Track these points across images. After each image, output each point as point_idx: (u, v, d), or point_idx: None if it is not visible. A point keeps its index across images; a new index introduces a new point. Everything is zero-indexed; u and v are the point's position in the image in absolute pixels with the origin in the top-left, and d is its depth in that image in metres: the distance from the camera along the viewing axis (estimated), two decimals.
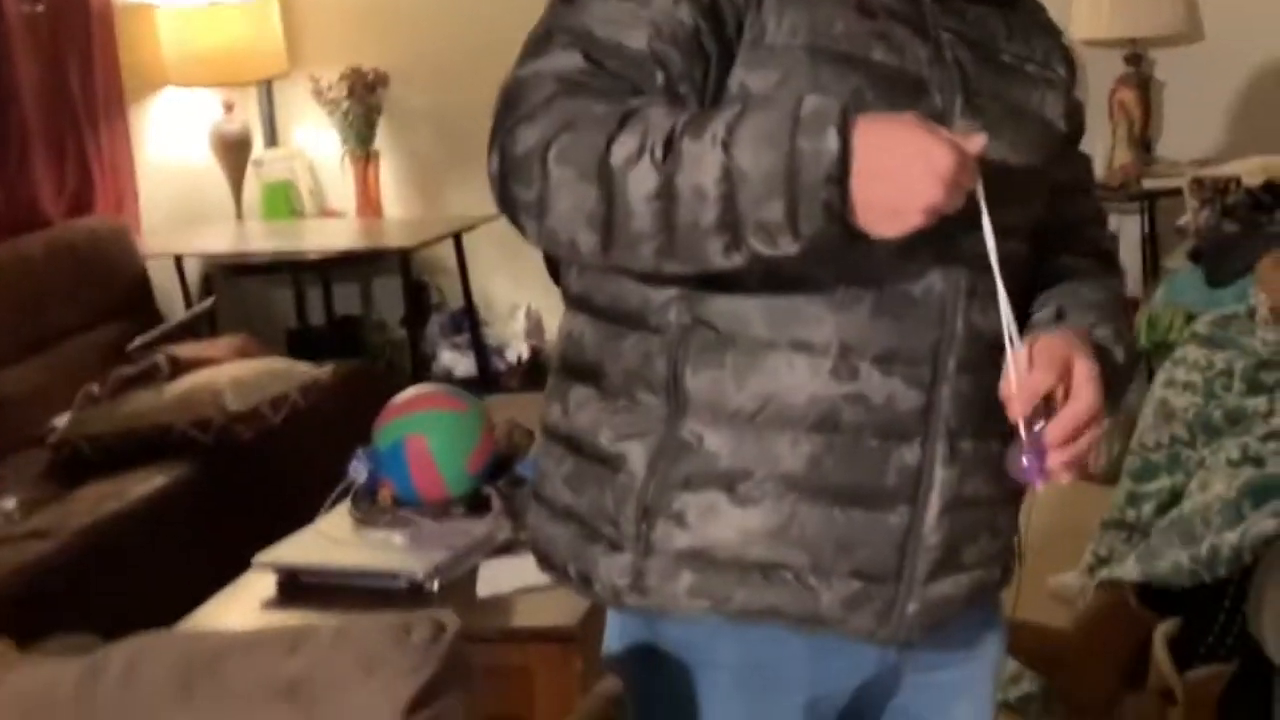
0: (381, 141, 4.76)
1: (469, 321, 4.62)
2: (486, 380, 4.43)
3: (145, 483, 3.29)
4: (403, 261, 4.40)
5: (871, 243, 1.22)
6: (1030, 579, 1.77)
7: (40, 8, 4.06)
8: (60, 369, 3.76)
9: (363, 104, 4.68)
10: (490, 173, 1.26)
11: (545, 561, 1.46)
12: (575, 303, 1.42)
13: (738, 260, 1.21)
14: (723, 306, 1.32)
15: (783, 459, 1.33)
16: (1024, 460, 1.30)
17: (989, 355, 1.34)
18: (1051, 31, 1.48)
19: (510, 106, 1.26)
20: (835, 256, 1.26)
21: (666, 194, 1.19)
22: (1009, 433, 1.33)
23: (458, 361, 4.66)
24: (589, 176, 1.20)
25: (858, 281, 1.31)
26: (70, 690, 1.17)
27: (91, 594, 2.93)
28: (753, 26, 1.29)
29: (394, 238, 4.56)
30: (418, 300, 4.64)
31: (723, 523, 1.34)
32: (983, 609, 1.49)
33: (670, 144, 1.19)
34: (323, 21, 4.79)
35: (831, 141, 1.16)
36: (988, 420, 1.35)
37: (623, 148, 1.19)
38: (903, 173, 1.18)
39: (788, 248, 1.20)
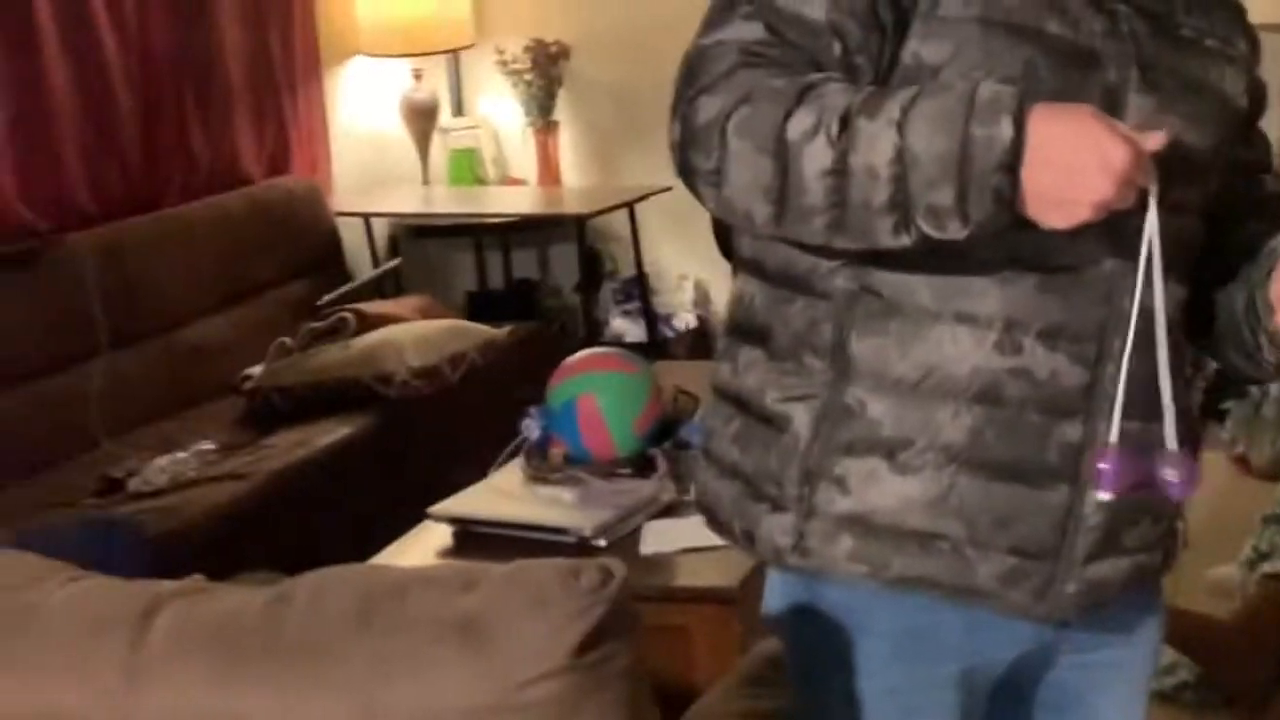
0: (561, 112, 4.83)
1: (639, 289, 4.68)
2: (654, 347, 4.47)
3: (331, 433, 3.43)
4: (579, 229, 4.47)
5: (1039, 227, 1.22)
6: (1189, 572, 1.76)
7: None
8: (255, 321, 3.91)
9: (545, 75, 4.75)
10: (671, 140, 1.28)
11: (711, 517, 1.48)
12: (747, 266, 1.43)
13: (905, 241, 1.22)
14: (889, 275, 1.32)
15: (944, 429, 1.32)
16: (1168, 475, 1.30)
17: (1155, 336, 1.31)
18: (1233, 7, 1.45)
19: (692, 76, 1.28)
20: (1003, 233, 1.24)
21: (839, 171, 1.20)
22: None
23: (628, 328, 4.72)
24: (765, 150, 1.22)
25: (1025, 257, 1.29)
26: (258, 615, 1.21)
27: (279, 535, 3.08)
28: None
29: (570, 205, 4.64)
30: (591, 267, 4.71)
31: (883, 489, 1.34)
32: (1143, 593, 1.47)
33: (846, 122, 1.20)
34: None
35: (1006, 129, 1.16)
36: (1153, 401, 1.32)
37: (799, 123, 1.21)
38: (1075, 166, 1.17)
39: (955, 232, 1.20)
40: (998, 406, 1.32)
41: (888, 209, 1.20)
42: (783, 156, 1.21)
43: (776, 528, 1.38)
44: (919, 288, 1.31)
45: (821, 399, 1.35)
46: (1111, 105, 1.30)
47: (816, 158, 1.20)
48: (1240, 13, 1.46)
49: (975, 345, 1.31)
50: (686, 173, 1.28)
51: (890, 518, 1.34)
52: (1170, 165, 1.29)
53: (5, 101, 3.47)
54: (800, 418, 1.36)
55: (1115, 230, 1.29)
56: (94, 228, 3.64)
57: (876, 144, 1.19)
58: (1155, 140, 1.21)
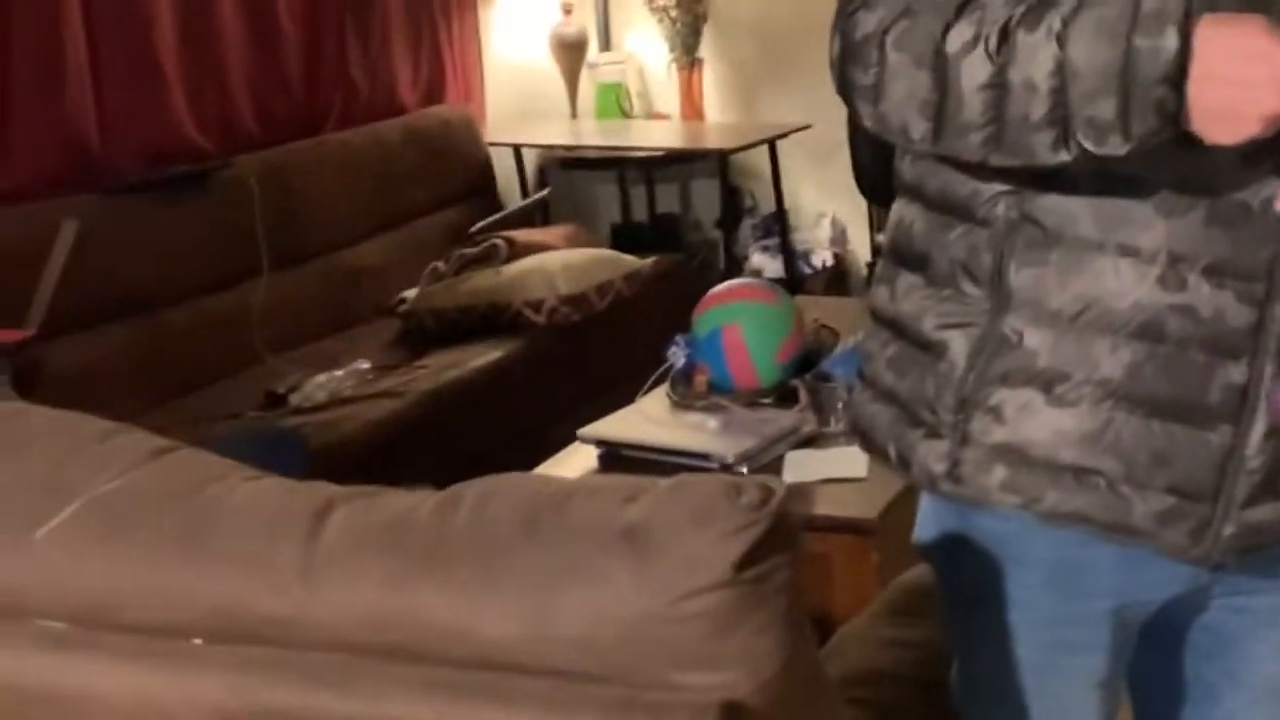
0: (706, 49, 4.84)
1: (779, 226, 4.69)
2: (793, 283, 4.48)
3: (482, 356, 3.51)
4: (720, 165, 4.49)
5: (1207, 149, 1.17)
6: None
7: None
8: (410, 246, 4.01)
9: (690, 13, 4.76)
10: (831, 57, 1.27)
11: (866, 440, 1.47)
12: (906, 190, 1.41)
13: (1065, 157, 1.19)
14: (1051, 204, 1.28)
15: (1101, 364, 1.29)
16: None
17: None
18: None
19: None
20: (1169, 160, 1.21)
21: (998, 85, 1.17)
22: None
23: (767, 264, 4.73)
24: (924, 63, 1.20)
25: (1192, 188, 1.25)
26: (429, 518, 1.22)
27: (433, 452, 3.16)
28: None
29: (713, 141, 4.66)
30: (732, 202, 4.73)
31: (1038, 422, 1.32)
32: None
33: (1005, 35, 1.17)
34: None
35: (1171, 40, 1.12)
36: None
37: (958, 36, 1.19)
38: (1243, 77, 1.12)
39: (1117, 147, 1.16)
40: (1159, 343, 1.28)
41: (1047, 124, 1.17)
42: (941, 70, 1.20)
43: (931, 454, 1.37)
44: (1081, 217, 1.28)
45: (979, 327, 1.33)
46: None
47: (975, 71, 1.18)
48: None
49: (1137, 279, 1.27)
50: (845, 88, 1.27)
51: (1045, 450, 1.32)
52: None
53: (176, 28, 3.59)
54: (957, 345, 1.34)
55: (1274, 155, 1.24)
56: (259, 151, 3.75)
57: (1036, 56, 1.16)
58: None
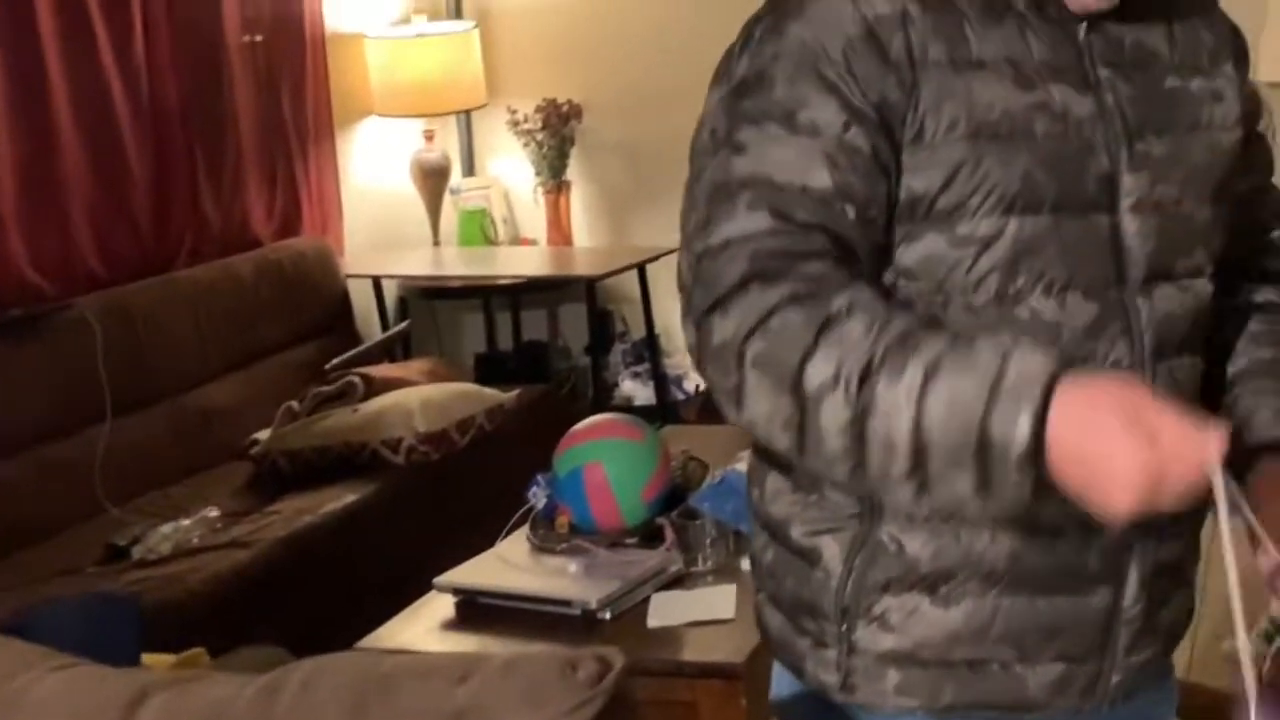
0: (573, 172, 4.85)
1: (650, 351, 4.67)
2: (665, 410, 4.46)
3: (337, 499, 3.42)
4: (589, 290, 4.46)
5: (1059, 331, 1.23)
6: (1204, 644, 1.74)
7: (259, 37, 4.25)
8: (264, 384, 3.91)
9: (557, 135, 4.78)
10: (688, 344, 1.24)
11: (765, 640, 1.46)
12: None
13: (926, 509, 1.20)
14: None
15: (985, 556, 1.30)
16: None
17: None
18: (1218, 26, 1.40)
19: (705, 286, 1.21)
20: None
21: (858, 433, 1.13)
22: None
23: (638, 390, 4.71)
24: (784, 390, 1.15)
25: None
26: (248, 704, 1.20)
27: (283, 603, 3.06)
28: (911, 126, 1.25)
29: (581, 266, 4.65)
30: (602, 328, 4.72)
31: (927, 624, 1.32)
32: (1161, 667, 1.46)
33: (866, 379, 1.13)
34: (521, 54, 4.91)
35: (1023, 429, 1.08)
36: None
37: (818, 372, 1.14)
38: (1102, 470, 1.08)
39: (977, 512, 1.18)
40: (1035, 529, 1.29)
41: (906, 479, 1.14)
42: (801, 402, 1.15)
43: (821, 664, 1.37)
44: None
45: (850, 532, 1.33)
46: (1109, 191, 1.29)
47: (835, 413, 1.14)
48: (1227, 32, 1.41)
49: None
50: (706, 381, 1.24)
51: (937, 650, 1.33)
52: (1175, 232, 1.30)
53: (15, 165, 3.49)
54: (830, 552, 1.34)
55: (1119, 319, 1.29)
56: (102, 291, 3.64)
57: (894, 417, 1.12)
58: (1209, 443, 1.09)
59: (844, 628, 1.34)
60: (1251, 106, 1.43)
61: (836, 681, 1.36)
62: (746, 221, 1.21)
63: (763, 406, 1.17)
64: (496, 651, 1.25)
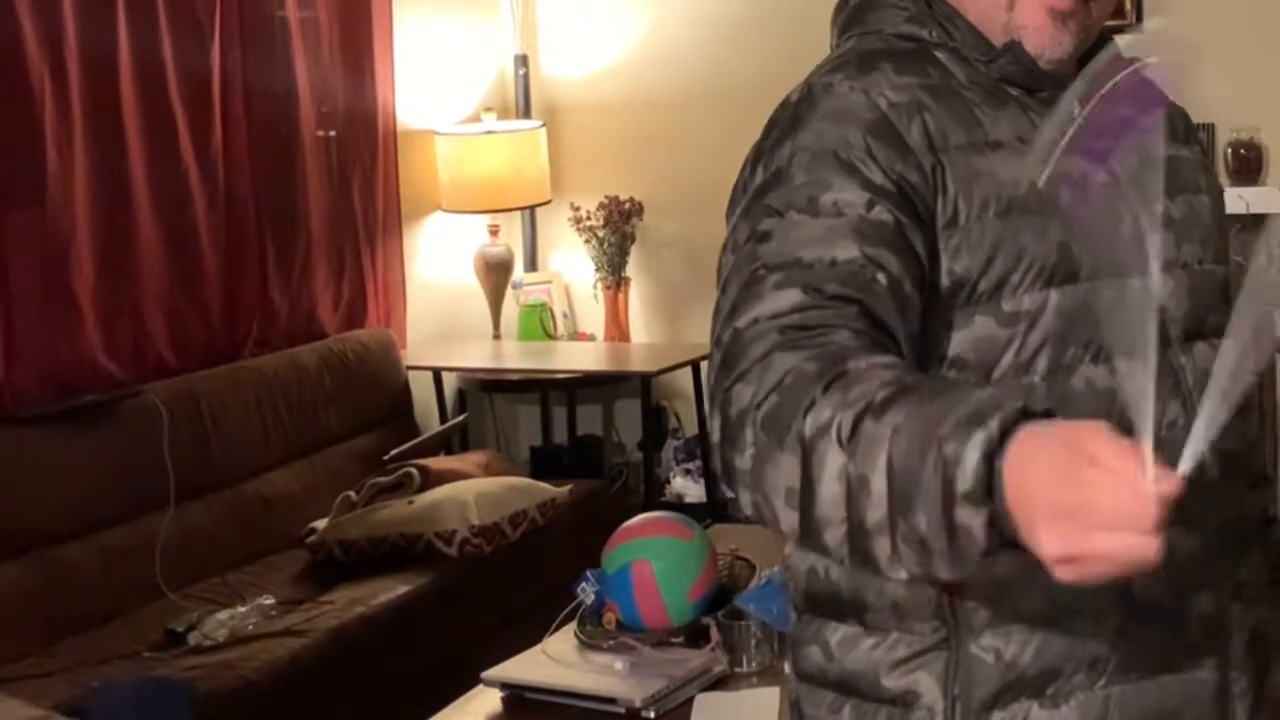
0: (632, 268, 4.90)
1: (702, 448, 4.67)
2: (715, 508, 4.43)
3: (390, 590, 3.43)
4: (643, 386, 4.48)
5: (1114, 397, 1.12)
6: None
7: (333, 132, 4.35)
8: (323, 473, 3.96)
9: (617, 232, 4.84)
10: (713, 439, 1.14)
11: None
12: None
13: (901, 574, 1.03)
14: None
15: (1088, 645, 1.24)
16: None
17: (1234, 472, 1.30)
18: (1177, 107, 1.44)
19: (729, 364, 1.13)
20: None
21: (846, 481, 1.03)
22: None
23: (689, 487, 4.70)
24: (785, 444, 1.06)
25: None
26: None
27: (335, 693, 3.09)
28: (943, 211, 1.23)
29: (636, 362, 4.67)
30: (656, 424, 4.73)
31: None
32: None
33: (858, 422, 1.02)
34: (585, 153, 5.00)
35: (974, 454, 0.96)
36: (1247, 539, 1.32)
37: (815, 418, 1.04)
38: (1035, 508, 0.94)
39: (943, 571, 1.01)
40: (1132, 600, 1.24)
41: (882, 528, 1.01)
42: (800, 454, 1.05)
43: None
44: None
45: (943, 659, 1.25)
46: (1139, 251, 1.23)
47: (828, 460, 1.03)
48: (1184, 113, 1.46)
49: None
50: (726, 474, 1.13)
51: None
52: (1203, 290, 1.32)
53: (93, 252, 3.58)
54: (927, 686, 1.25)
55: (1169, 378, 1.26)
56: (171, 379, 3.71)
57: (873, 452, 1.01)
58: (1161, 487, 0.92)
59: None
60: (1221, 194, 1.45)
61: None
62: (775, 301, 1.15)
63: (773, 473, 1.06)
64: None
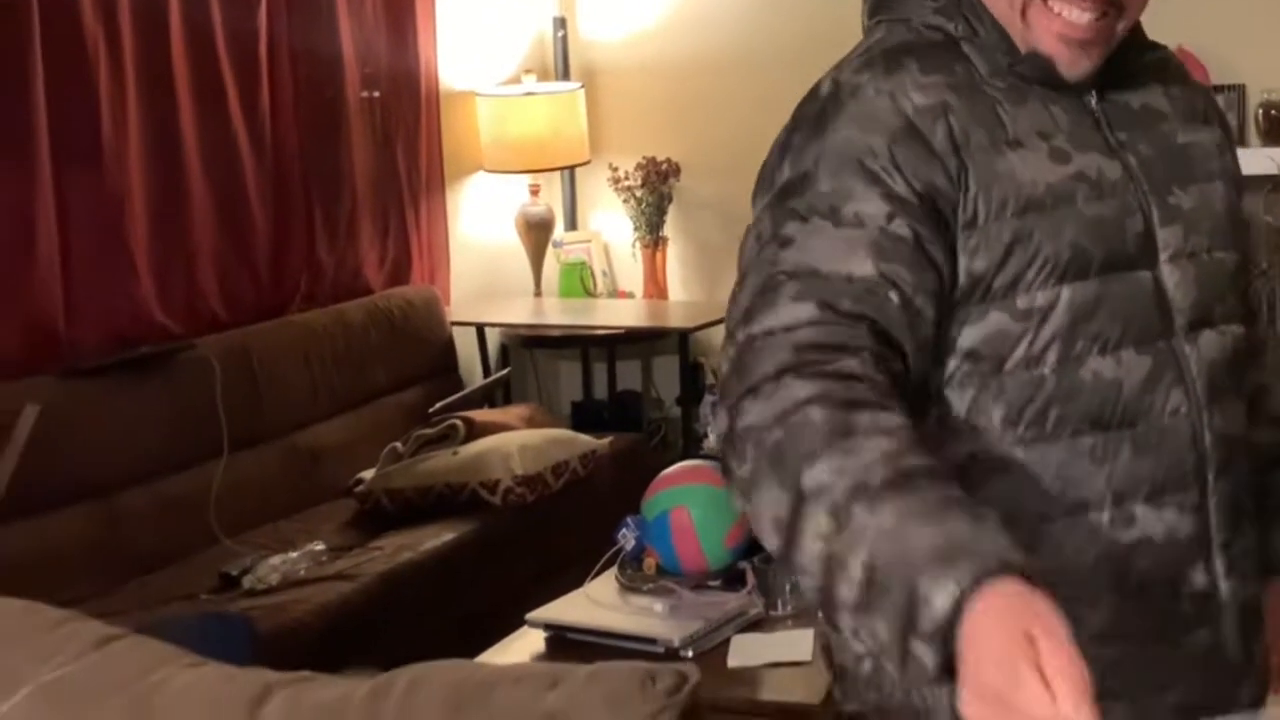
0: (670, 228, 4.97)
1: None
2: None
3: (436, 537, 3.52)
4: (681, 342, 4.56)
5: (1120, 388, 1.26)
6: None
7: (377, 94, 4.43)
8: (370, 425, 4.04)
9: (655, 192, 4.90)
10: (719, 430, 1.22)
11: None
12: None
13: (866, 665, 1.17)
14: (995, 490, 1.29)
15: (1086, 622, 1.27)
16: None
17: (1234, 456, 1.35)
18: (1199, 88, 1.48)
19: (742, 372, 1.20)
20: (1087, 401, 1.27)
21: (828, 548, 1.09)
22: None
23: None
24: (784, 485, 1.12)
25: (1113, 427, 1.30)
26: (360, 704, 1.29)
27: (384, 635, 3.17)
28: (964, 211, 1.28)
29: (675, 319, 4.75)
30: (693, 380, 4.78)
31: None
32: None
33: (853, 499, 1.08)
34: (623, 114, 5.06)
35: (944, 601, 1.01)
36: (1242, 518, 1.37)
37: (815, 477, 1.11)
38: (974, 700, 1.00)
39: (890, 669, 1.07)
40: (1129, 581, 1.32)
41: (851, 609, 1.07)
42: (795, 502, 1.11)
43: None
44: (1027, 495, 1.29)
45: None
46: (1148, 247, 1.34)
47: (817, 521, 1.10)
48: (1208, 93, 1.50)
49: (1092, 533, 1.30)
50: (725, 469, 1.21)
51: None
52: (1211, 280, 1.36)
53: (148, 212, 3.68)
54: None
55: (1178, 368, 1.33)
56: (223, 332, 3.81)
57: (856, 542, 1.07)
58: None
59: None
60: (1240, 179, 1.48)
61: None
62: (790, 312, 1.21)
63: (765, 498, 1.14)
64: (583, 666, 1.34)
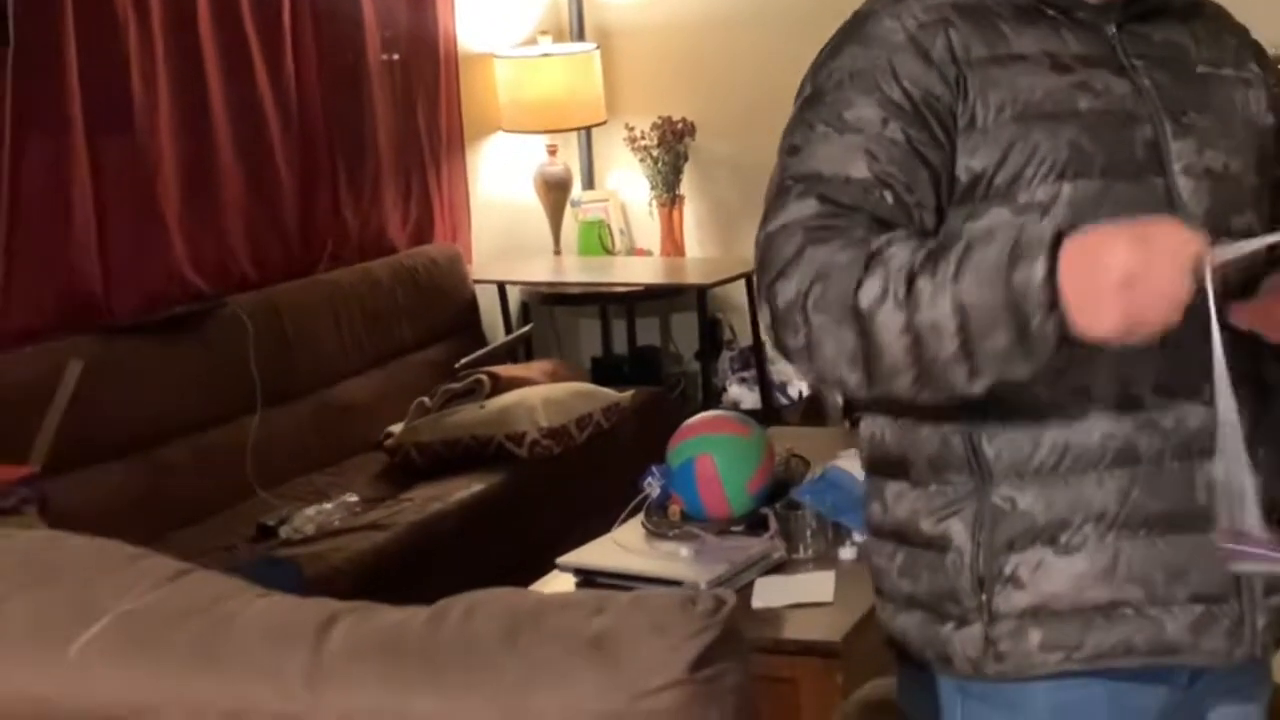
0: (686, 186, 5.02)
1: (755, 358, 4.80)
2: (769, 414, 4.58)
3: (464, 488, 3.61)
4: (699, 298, 4.63)
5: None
6: None
7: (397, 56, 4.50)
8: (398, 381, 4.13)
9: (671, 151, 4.95)
10: (764, 324, 1.37)
11: (903, 653, 1.51)
12: (869, 408, 1.50)
13: (981, 387, 1.27)
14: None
15: (1094, 500, 1.37)
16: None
17: (1248, 346, 1.38)
18: (1238, 31, 1.53)
19: (767, 264, 1.35)
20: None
21: (911, 331, 1.26)
22: None
23: (744, 395, 4.82)
24: (844, 321, 1.28)
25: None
26: (420, 628, 1.34)
27: (417, 581, 3.23)
28: (963, 115, 1.38)
29: (693, 275, 4.81)
30: (711, 335, 4.86)
31: (1054, 574, 1.39)
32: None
33: (910, 282, 1.26)
34: (638, 75, 5.11)
35: (1039, 270, 1.21)
36: (1267, 407, 1.41)
37: (869, 291, 1.27)
38: (1098, 281, 1.20)
39: (1022, 373, 1.25)
40: (1137, 464, 1.38)
41: (957, 359, 1.26)
42: (860, 324, 1.28)
43: (968, 642, 1.43)
44: (1032, 382, 1.33)
45: (972, 508, 1.41)
46: (1157, 156, 1.40)
47: (890, 321, 1.26)
48: (1245, 35, 1.55)
49: (1099, 414, 1.38)
50: (781, 350, 1.36)
51: (1069, 599, 1.40)
52: (1227, 194, 1.41)
53: (178, 175, 3.77)
54: (957, 531, 1.42)
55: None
56: (253, 291, 3.90)
57: (937, 302, 1.25)
58: (1201, 239, 1.21)
59: (983, 598, 1.41)
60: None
61: (982, 652, 1.41)
62: (797, 208, 1.36)
63: (830, 348, 1.30)
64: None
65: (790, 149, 1.41)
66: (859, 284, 1.28)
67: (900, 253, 1.29)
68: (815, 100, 1.42)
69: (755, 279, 1.38)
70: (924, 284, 1.26)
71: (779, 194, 1.39)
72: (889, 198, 1.37)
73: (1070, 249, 1.22)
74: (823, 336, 1.30)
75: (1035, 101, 1.38)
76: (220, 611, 1.42)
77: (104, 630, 1.41)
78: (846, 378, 1.31)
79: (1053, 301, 1.21)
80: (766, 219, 1.39)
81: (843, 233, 1.33)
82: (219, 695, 1.35)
